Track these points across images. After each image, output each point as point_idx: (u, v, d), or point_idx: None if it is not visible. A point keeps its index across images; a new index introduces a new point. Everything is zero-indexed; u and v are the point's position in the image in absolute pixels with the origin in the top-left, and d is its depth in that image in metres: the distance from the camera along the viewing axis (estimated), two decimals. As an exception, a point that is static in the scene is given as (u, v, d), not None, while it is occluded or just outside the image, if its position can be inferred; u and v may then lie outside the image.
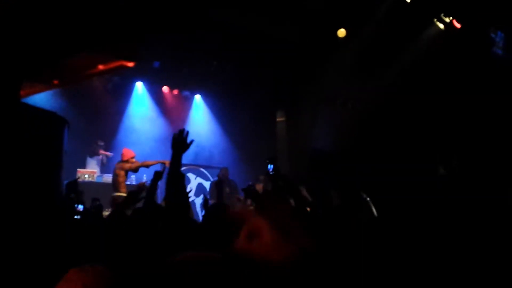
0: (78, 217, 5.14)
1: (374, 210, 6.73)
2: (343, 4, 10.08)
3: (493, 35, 10.45)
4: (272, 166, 4.29)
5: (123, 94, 12.03)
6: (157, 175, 4.09)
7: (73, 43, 5.76)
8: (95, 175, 10.49)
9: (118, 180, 8.97)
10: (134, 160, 9.13)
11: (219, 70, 11.72)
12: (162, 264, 1.97)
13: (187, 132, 3.39)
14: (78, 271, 1.85)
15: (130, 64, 6.17)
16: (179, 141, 3.33)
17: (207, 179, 12.03)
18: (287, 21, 10.34)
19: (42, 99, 8.94)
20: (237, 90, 11.96)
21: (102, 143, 11.19)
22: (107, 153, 11.28)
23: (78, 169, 10.39)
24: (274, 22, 10.32)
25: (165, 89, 12.68)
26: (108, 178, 10.55)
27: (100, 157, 11.16)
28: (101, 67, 6.30)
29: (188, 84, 12.55)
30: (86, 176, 10.28)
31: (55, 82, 6.74)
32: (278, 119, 12.98)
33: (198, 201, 11.54)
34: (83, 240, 3.50)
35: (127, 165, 9.03)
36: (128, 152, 9.23)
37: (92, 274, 1.85)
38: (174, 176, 3.22)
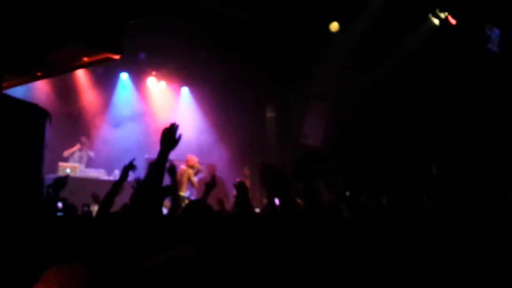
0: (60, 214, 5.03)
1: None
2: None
3: (488, 32, 10.32)
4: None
5: (108, 85, 11.69)
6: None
7: (56, 36, 5.53)
8: (77, 170, 10.15)
9: (181, 181, 9.84)
10: (197, 165, 10.18)
11: (207, 62, 11.47)
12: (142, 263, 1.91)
13: (177, 126, 3.10)
14: (55, 271, 1.97)
15: (116, 57, 5.90)
16: (169, 137, 3.06)
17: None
18: (278, 14, 10.13)
19: (23, 89, 8.67)
20: (226, 84, 11.71)
21: (85, 140, 10.88)
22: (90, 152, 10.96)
23: (60, 163, 10.09)
24: (265, 15, 10.11)
25: (151, 81, 12.32)
26: (90, 172, 10.27)
27: (83, 152, 10.78)
28: (85, 59, 6.02)
29: (175, 76, 12.27)
30: (68, 170, 9.94)
31: (39, 74, 6.43)
32: (268, 115, 12.87)
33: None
34: (63, 238, 3.51)
35: (191, 171, 10.05)
36: (192, 158, 10.16)
37: (69, 273, 1.96)
38: (159, 171, 3.03)
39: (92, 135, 11.32)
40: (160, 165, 3.01)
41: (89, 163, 10.88)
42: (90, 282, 1.97)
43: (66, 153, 10.58)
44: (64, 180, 5.06)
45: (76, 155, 10.71)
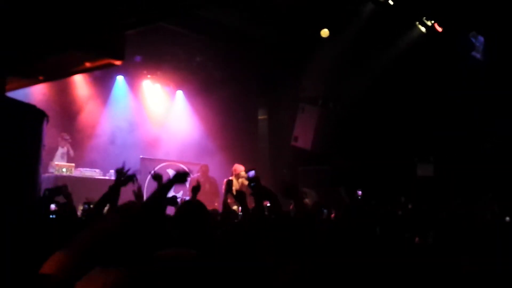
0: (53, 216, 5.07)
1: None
2: (326, 4, 10.12)
3: (473, 40, 10.62)
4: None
5: (104, 87, 11.76)
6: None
7: (59, 41, 5.70)
8: (73, 169, 10.21)
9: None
10: (243, 174, 9.48)
11: (201, 66, 11.67)
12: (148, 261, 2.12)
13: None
14: (100, 271, 2.00)
15: (118, 63, 6.10)
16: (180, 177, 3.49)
17: (187, 175, 11.87)
18: (271, 19, 10.36)
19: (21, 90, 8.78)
20: (219, 87, 11.91)
21: (67, 137, 10.58)
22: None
23: (56, 163, 10.17)
24: (257, 21, 10.33)
25: (146, 83, 12.52)
26: (86, 172, 10.32)
27: (65, 148, 10.58)
28: (87, 64, 6.21)
29: (169, 79, 12.46)
30: (64, 170, 10.01)
31: (41, 77, 6.63)
32: (260, 117, 13.03)
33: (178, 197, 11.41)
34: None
35: (239, 180, 9.52)
36: (238, 167, 9.72)
37: (113, 274, 1.98)
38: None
39: (87, 136, 11.41)
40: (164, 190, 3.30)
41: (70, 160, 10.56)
42: (133, 285, 1.99)
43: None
44: (61, 190, 5.26)
45: (59, 152, 10.47)
